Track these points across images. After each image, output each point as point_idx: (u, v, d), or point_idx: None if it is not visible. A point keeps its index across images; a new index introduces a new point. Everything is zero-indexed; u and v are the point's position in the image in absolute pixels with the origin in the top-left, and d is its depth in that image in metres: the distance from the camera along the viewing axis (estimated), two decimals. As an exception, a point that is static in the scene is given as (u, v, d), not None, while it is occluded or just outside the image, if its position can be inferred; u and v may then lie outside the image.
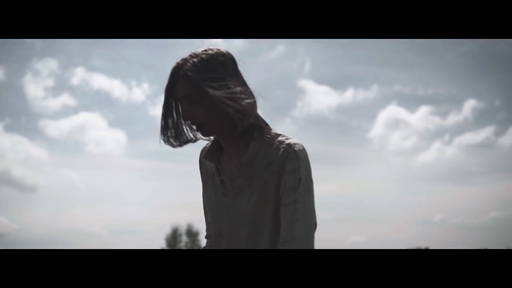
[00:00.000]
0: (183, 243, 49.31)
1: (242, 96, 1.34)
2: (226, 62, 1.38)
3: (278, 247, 1.34)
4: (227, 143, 1.45)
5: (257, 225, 1.39)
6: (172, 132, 1.44)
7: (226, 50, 1.41)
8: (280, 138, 1.40)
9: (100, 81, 73.72)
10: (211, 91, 1.31)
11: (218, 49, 1.40)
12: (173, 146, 1.44)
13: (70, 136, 70.31)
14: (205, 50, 1.39)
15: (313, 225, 1.39)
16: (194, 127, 1.43)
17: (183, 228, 50.10)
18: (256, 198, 1.38)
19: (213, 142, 1.50)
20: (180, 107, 1.41)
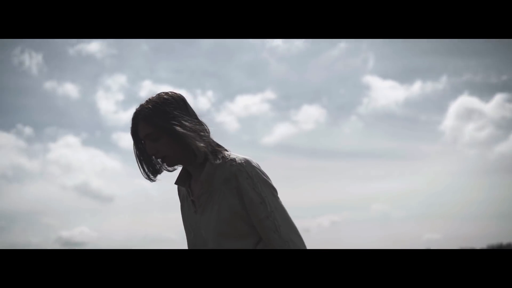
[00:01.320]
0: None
1: (191, 132, 1.55)
2: (177, 103, 1.59)
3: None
4: (192, 169, 1.65)
5: (222, 234, 1.55)
6: (150, 168, 1.67)
7: (176, 93, 1.63)
8: (232, 157, 1.58)
9: (166, 91, 75.91)
10: (168, 127, 1.53)
11: (169, 93, 1.62)
12: (151, 180, 1.67)
13: (141, 147, 72.66)
14: (158, 95, 1.61)
15: (292, 221, 1.56)
16: (159, 160, 1.63)
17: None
18: (217, 209, 1.56)
19: (183, 169, 1.70)
20: (145, 146, 1.62)
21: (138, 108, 1.60)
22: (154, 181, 1.66)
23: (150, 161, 1.66)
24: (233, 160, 1.56)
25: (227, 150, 1.64)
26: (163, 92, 1.62)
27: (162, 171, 1.68)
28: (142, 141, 1.63)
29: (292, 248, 1.50)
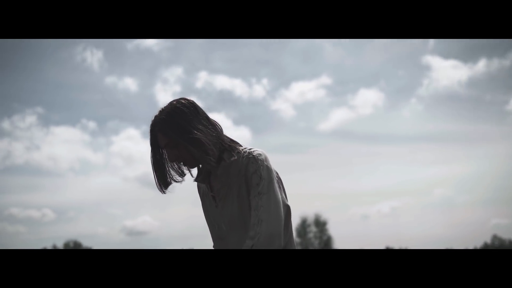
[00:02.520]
0: (312, 233, 49.90)
1: (203, 139, 1.68)
2: (188, 110, 1.72)
3: (249, 230, 1.62)
4: (211, 167, 1.76)
5: (244, 225, 1.71)
6: (162, 180, 1.78)
7: (187, 99, 1.75)
8: (244, 150, 1.74)
9: (222, 81, 77.12)
10: (183, 136, 1.67)
11: (180, 101, 1.73)
12: (162, 192, 1.78)
13: (199, 137, 74.69)
14: (170, 105, 1.73)
15: (279, 209, 1.66)
16: (181, 164, 1.78)
17: (311, 219, 50.63)
18: (236, 200, 1.72)
19: (202, 168, 1.82)
20: (165, 153, 1.78)
21: (153, 120, 1.73)
22: (165, 193, 1.78)
23: (163, 172, 1.78)
24: (248, 153, 1.71)
25: (241, 146, 1.78)
26: (175, 101, 1.74)
27: (171, 184, 1.79)
28: (163, 149, 1.76)
29: (260, 227, 1.60)
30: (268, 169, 1.69)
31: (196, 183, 1.90)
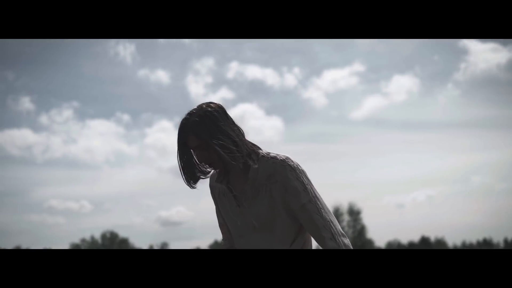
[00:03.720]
0: (345, 222, 49.61)
1: (233, 143, 1.78)
2: (218, 114, 1.80)
3: (321, 231, 1.74)
4: (233, 169, 1.87)
5: (269, 225, 1.82)
6: (190, 176, 1.87)
7: (216, 103, 1.83)
8: (271, 155, 1.83)
9: (253, 71, 77.08)
10: (214, 140, 1.75)
11: (210, 105, 1.82)
12: (191, 187, 1.87)
13: (231, 127, 75.12)
14: (201, 108, 1.80)
15: (328, 208, 1.82)
16: (207, 165, 1.84)
17: (344, 207, 50.33)
18: (266, 202, 1.80)
19: (220, 170, 1.90)
20: (194, 154, 1.84)
21: (184, 121, 1.80)
22: (194, 188, 1.87)
23: (191, 170, 1.86)
24: (275, 158, 1.81)
25: (261, 149, 1.87)
26: (205, 104, 1.82)
27: (199, 180, 1.88)
28: (191, 150, 1.83)
29: (333, 227, 1.75)
30: (304, 174, 1.81)
31: (208, 183, 1.99)
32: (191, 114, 1.79)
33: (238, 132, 1.82)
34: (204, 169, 1.87)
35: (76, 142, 77.80)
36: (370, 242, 51.34)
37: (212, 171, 1.93)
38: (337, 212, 49.95)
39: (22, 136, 75.17)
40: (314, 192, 1.78)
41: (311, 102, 76.47)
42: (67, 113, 78.45)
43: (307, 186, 1.78)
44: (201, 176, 1.88)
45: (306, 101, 76.69)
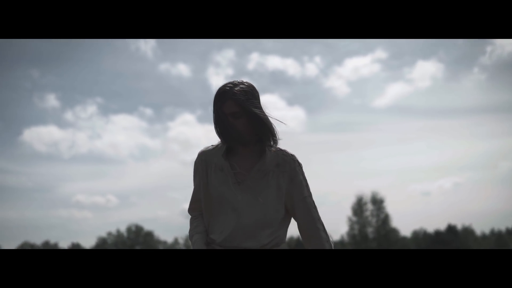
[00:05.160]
0: (369, 211, 49.31)
1: (268, 121, 1.91)
2: (257, 93, 1.94)
3: (316, 223, 1.93)
4: (243, 148, 1.97)
5: (270, 205, 1.92)
6: (226, 136, 1.93)
7: (253, 84, 1.94)
8: (282, 149, 1.99)
9: (274, 62, 76.68)
10: (254, 112, 1.87)
11: (250, 83, 1.94)
12: (224, 143, 1.95)
13: (253, 119, 75.01)
14: (242, 82, 1.92)
15: None
16: (233, 133, 1.89)
17: (367, 196, 50.00)
18: (274, 186, 1.93)
19: (221, 148, 1.99)
20: (226, 119, 1.89)
21: (228, 87, 1.88)
22: (230, 144, 1.94)
23: (226, 129, 1.90)
24: (285, 151, 1.98)
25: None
26: (246, 81, 1.93)
27: (233, 140, 1.92)
28: (224, 114, 1.88)
29: (322, 224, 1.95)
30: (303, 170, 2.01)
31: (195, 158, 2.05)
32: (234, 84, 1.90)
33: (269, 118, 1.93)
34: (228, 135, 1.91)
35: (101, 137, 78.76)
36: (394, 231, 50.90)
37: (203, 148, 2.03)
38: (360, 202, 49.65)
39: (48, 133, 76.41)
40: (310, 191, 2.00)
41: (333, 91, 75.74)
42: (91, 109, 79.58)
43: (307, 183, 1.99)
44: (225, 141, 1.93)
45: (328, 90, 76.00)
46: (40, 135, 76.49)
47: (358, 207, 49.63)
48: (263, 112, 1.91)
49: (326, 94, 76.81)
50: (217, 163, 1.99)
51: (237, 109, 1.87)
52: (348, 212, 50.52)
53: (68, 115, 76.35)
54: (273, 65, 76.85)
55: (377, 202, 49.46)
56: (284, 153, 1.98)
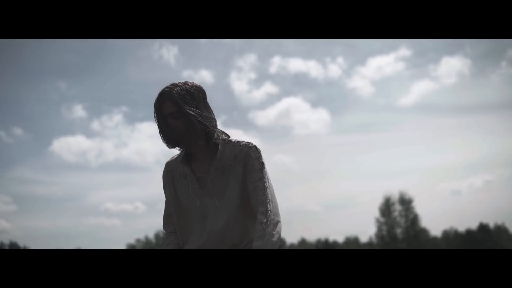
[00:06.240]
0: (397, 211, 48.62)
1: (207, 120, 1.89)
2: (198, 94, 1.90)
3: (259, 206, 1.84)
4: (197, 150, 1.96)
5: (234, 204, 1.89)
6: (168, 139, 1.93)
7: (198, 84, 1.93)
8: (237, 140, 1.96)
9: (296, 64, 76.45)
10: (189, 111, 1.84)
11: (193, 83, 1.92)
12: (169, 147, 1.93)
13: (277, 123, 75.05)
14: (185, 83, 1.90)
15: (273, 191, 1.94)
16: (176, 134, 1.89)
17: (395, 197, 49.32)
18: (233, 180, 1.90)
19: (181, 155, 2.00)
20: (167, 120, 1.89)
21: (167, 89, 1.86)
22: (173, 147, 1.93)
23: (168, 133, 1.90)
24: (240, 142, 1.94)
25: (230, 137, 1.99)
26: (189, 82, 1.92)
27: (178, 144, 1.92)
28: (164, 115, 1.87)
29: (270, 205, 1.84)
30: (261, 155, 1.94)
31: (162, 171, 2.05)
32: (174, 85, 1.87)
33: (212, 116, 1.92)
34: (171, 138, 1.90)
35: (127, 146, 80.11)
36: (424, 231, 50.05)
37: (169, 159, 2.03)
38: (388, 202, 49.01)
39: (76, 143, 78.15)
40: (266, 174, 1.91)
41: (356, 91, 75.17)
42: (117, 118, 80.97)
43: (263, 166, 1.91)
44: (169, 145, 1.92)
45: (351, 91, 75.49)
46: (68, 145, 78.29)
47: (386, 207, 49.00)
48: (199, 111, 1.86)
49: (350, 94, 76.28)
50: (181, 171, 1.99)
51: (174, 109, 1.85)
52: (376, 213, 49.95)
53: (95, 125, 77.90)
54: (296, 68, 76.72)
55: (406, 202, 48.75)
56: (240, 143, 1.94)
